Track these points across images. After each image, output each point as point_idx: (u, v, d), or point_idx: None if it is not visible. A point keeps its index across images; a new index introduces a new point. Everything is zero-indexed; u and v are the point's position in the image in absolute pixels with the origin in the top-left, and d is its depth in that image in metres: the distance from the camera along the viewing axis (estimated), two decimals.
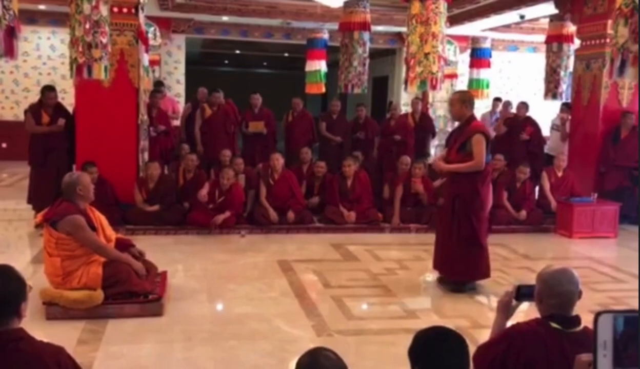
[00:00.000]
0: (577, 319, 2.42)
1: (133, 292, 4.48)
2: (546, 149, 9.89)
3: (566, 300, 2.40)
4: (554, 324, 2.38)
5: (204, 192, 7.20)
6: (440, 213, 5.57)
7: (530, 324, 2.46)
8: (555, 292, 2.40)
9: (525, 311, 2.67)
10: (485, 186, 5.25)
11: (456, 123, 5.93)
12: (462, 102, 5.25)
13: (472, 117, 5.29)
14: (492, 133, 10.76)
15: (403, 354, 2.11)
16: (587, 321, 2.50)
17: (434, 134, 11.06)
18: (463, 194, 5.17)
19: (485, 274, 5.44)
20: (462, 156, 5.18)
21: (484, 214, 5.32)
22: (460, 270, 5.36)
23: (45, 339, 2.25)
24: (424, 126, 10.34)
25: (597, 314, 1.51)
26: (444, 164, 5.25)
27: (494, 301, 5.16)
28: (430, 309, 5.00)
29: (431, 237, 7.38)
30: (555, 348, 2.33)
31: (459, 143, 5.25)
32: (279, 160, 7.69)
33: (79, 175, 4.58)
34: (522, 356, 2.35)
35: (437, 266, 5.56)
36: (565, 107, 9.71)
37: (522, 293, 2.53)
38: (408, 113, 10.70)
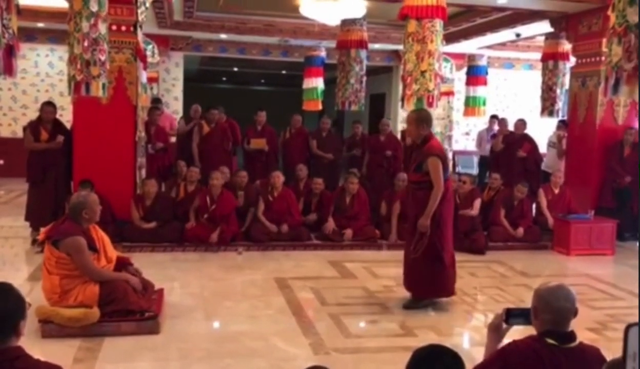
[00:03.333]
0: (572, 335, 2.43)
1: (129, 310, 4.45)
2: (543, 166, 9.92)
3: (562, 316, 2.42)
4: (549, 340, 2.39)
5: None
6: (406, 232, 5.53)
7: (526, 341, 2.47)
8: (551, 308, 2.41)
9: (521, 330, 2.67)
10: (444, 204, 5.22)
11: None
12: (419, 121, 5.24)
13: (429, 137, 5.28)
14: (489, 151, 10.84)
15: None
16: (583, 338, 2.51)
17: None
18: (423, 212, 5.15)
19: (449, 292, 5.39)
20: (420, 175, 5.22)
21: (446, 231, 5.29)
22: (423, 288, 5.35)
23: (41, 358, 2.23)
24: None
25: (628, 327, 1.52)
26: (424, 219, 5.12)
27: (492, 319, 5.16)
28: (428, 327, 4.98)
29: None
30: (551, 363, 2.34)
31: (415, 164, 5.28)
32: (279, 178, 7.71)
33: (87, 197, 4.53)
34: None
35: (406, 285, 5.49)
36: (562, 124, 9.76)
37: (512, 315, 2.52)
38: (406, 130, 10.74)
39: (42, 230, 4.61)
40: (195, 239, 7.24)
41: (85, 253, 4.33)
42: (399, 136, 11.22)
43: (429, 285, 5.32)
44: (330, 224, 7.75)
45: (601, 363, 2.42)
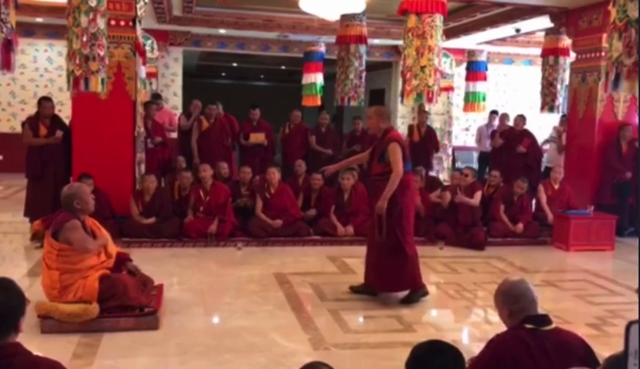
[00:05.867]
0: (547, 318, 2.57)
1: (129, 306, 4.45)
2: (545, 161, 9.92)
3: (530, 299, 2.61)
4: (528, 326, 2.52)
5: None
6: (369, 226, 5.55)
7: (509, 332, 2.60)
8: (518, 294, 2.63)
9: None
10: (406, 196, 5.24)
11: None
12: (379, 115, 5.37)
13: (389, 129, 5.37)
14: (488, 147, 10.84)
15: (400, 367, 2.11)
16: (583, 334, 2.52)
17: (437, 148, 11.10)
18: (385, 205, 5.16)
19: (412, 284, 5.38)
20: (383, 166, 5.24)
21: (407, 223, 5.30)
22: (387, 282, 5.35)
23: (40, 353, 2.23)
24: (429, 139, 10.42)
25: (629, 324, 1.52)
26: (381, 202, 5.12)
27: (491, 314, 5.17)
28: (428, 322, 4.98)
29: (428, 250, 7.41)
30: (536, 346, 2.44)
31: (377, 155, 5.32)
32: (275, 174, 7.69)
33: (77, 188, 4.52)
34: (509, 359, 2.44)
35: (368, 281, 5.48)
36: (565, 118, 9.73)
37: None
38: (413, 125, 10.78)
39: (37, 221, 4.60)
40: (194, 233, 7.24)
41: (81, 231, 4.33)
42: (399, 131, 11.21)
43: (394, 279, 5.32)
44: (340, 229, 7.70)
45: (581, 344, 2.49)
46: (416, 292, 5.39)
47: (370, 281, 5.46)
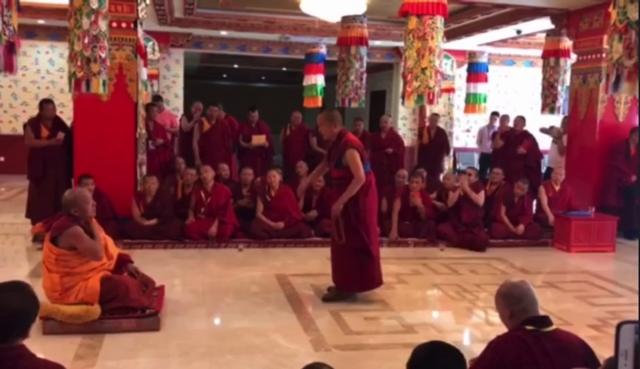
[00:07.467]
0: (548, 319, 2.59)
1: (130, 307, 4.46)
2: (546, 162, 9.92)
3: (530, 301, 2.62)
4: (529, 327, 2.53)
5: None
6: (333, 227, 5.55)
7: (509, 333, 2.62)
8: (519, 296, 2.64)
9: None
10: (368, 196, 5.27)
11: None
12: (329, 120, 5.35)
13: (343, 132, 5.37)
14: (490, 148, 10.85)
15: None
16: (584, 335, 2.52)
17: (448, 150, 11.09)
18: (347, 206, 5.18)
19: (378, 282, 5.44)
20: (341, 171, 5.27)
21: (371, 223, 5.33)
22: (356, 282, 5.37)
23: (42, 354, 2.24)
24: (439, 141, 10.40)
25: (620, 324, 1.52)
26: (337, 204, 5.17)
27: (492, 315, 5.17)
28: (429, 323, 4.98)
29: (430, 251, 7.43)
30: (537, 348, 2.45)
31: (335, 160, 5.33)
32: (275, 177, 7.70)
33: (76, 195, 4.49)
34: (510, 361, 2.45)
35: (335, 279, 5.50)
36: (567, 119, 9.73)
37: None
38: (423, 127, 10.79)
39: (38, 224, 4.61)
40: (195, 234, 7.25)
41: (85, 238, 4.34)
42: (400, 133, 11.23)
43: (358, 279, 5.35)
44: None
45: (581, 345, 2.50)
46: (347, 293, 5.40)
47: (336, 281, 5.46)
